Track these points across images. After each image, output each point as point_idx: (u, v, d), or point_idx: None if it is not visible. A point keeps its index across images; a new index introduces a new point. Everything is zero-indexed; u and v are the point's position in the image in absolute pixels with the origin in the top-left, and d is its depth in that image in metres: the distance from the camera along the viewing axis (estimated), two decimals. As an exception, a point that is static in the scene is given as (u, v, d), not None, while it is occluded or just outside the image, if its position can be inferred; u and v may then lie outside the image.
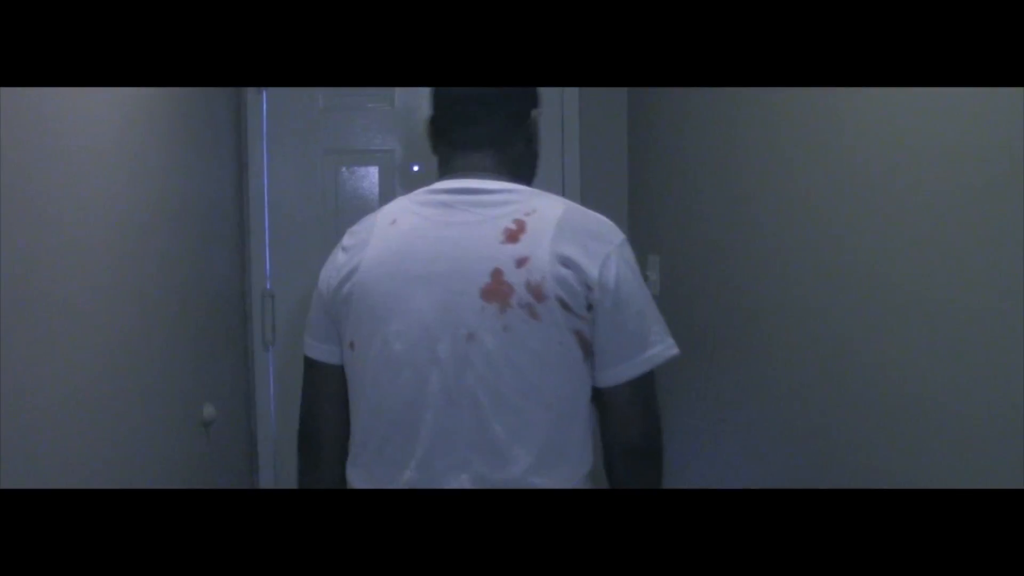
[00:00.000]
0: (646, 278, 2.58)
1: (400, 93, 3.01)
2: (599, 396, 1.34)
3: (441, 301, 1.29)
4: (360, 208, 3.00)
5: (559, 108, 3.00)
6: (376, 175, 3.03)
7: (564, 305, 1.27)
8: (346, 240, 1.42)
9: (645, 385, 1.33)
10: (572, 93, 2.99)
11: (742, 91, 1.99)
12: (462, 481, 1.29)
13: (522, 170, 1.45)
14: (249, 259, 2.97)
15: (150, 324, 1.92)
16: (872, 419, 1.50)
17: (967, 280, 1.24)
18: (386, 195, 3.01)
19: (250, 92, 2.94)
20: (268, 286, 2.99)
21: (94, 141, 1.63)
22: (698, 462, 2.33)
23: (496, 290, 1.27)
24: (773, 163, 1.86)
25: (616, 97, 3.01)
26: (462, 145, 1.40)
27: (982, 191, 1.21)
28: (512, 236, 1.29)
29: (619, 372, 1.31)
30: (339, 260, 1.39)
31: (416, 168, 3.03)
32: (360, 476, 1.37)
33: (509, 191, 1.35)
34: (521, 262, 1.27)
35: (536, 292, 1.26)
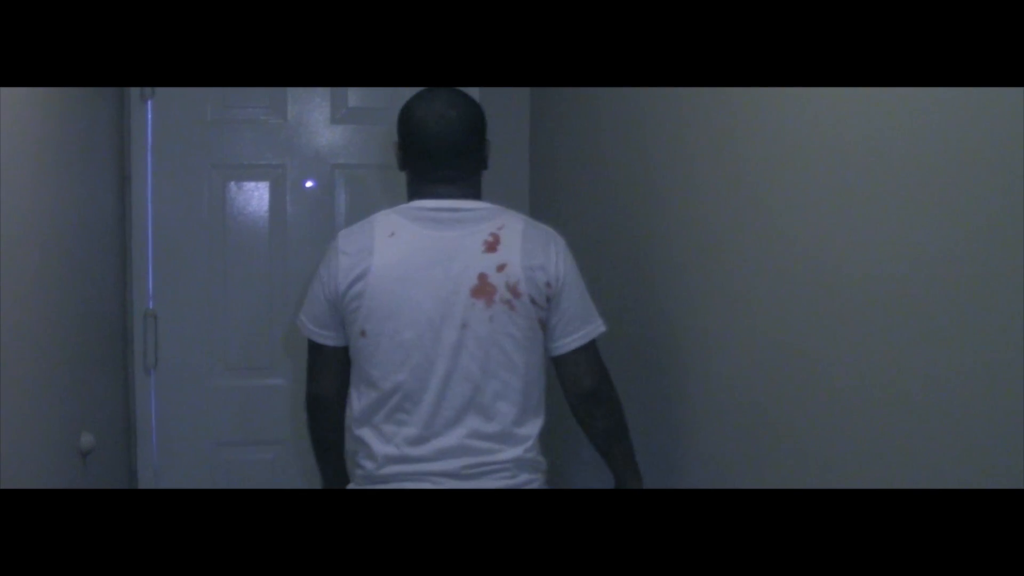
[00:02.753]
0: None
1: (292, 106, 2.92)
2: (555, 361, 1.80)
3: (441, 298, 1.69)
4: (250, 225, 2.92)
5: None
6: (266, 191, 2.93)
7: (533, 300, 1.71)
8: (344, 245, 1.75)
9: (588, 349, 1.79)
10: (473, 93, 2.95)
11: (647, 91, 1.99)
12: (458, 434, 1.70)
13: (480, 187, 1.85)
14: (131, 277, 2.82)
15: (20, 346, 1.79)
16: (790, 411, 1.49)
17: (901, 269, 1.22)
18: (276, 211, 2.92)
19: (134, 101, 2.80)
20: (151, 305, 2.85)
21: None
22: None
23: (483, 289, 1.69)
24: (678, 161, 1.87)
25: (519, 97, 2.99)
26: (438, 179, 1.76)
27: (912, 181, 1.20)
28: (491, 247, 1.71)
29: (568, 343, 1.77)
30: (343, 263, 1.72)
31: (309, 184, 2.95)
32: (371, 434, 1.74)
33: (481, 209, 1.76)
34: (500, 268, 1.70)
35: (513, 290, 1.70)
